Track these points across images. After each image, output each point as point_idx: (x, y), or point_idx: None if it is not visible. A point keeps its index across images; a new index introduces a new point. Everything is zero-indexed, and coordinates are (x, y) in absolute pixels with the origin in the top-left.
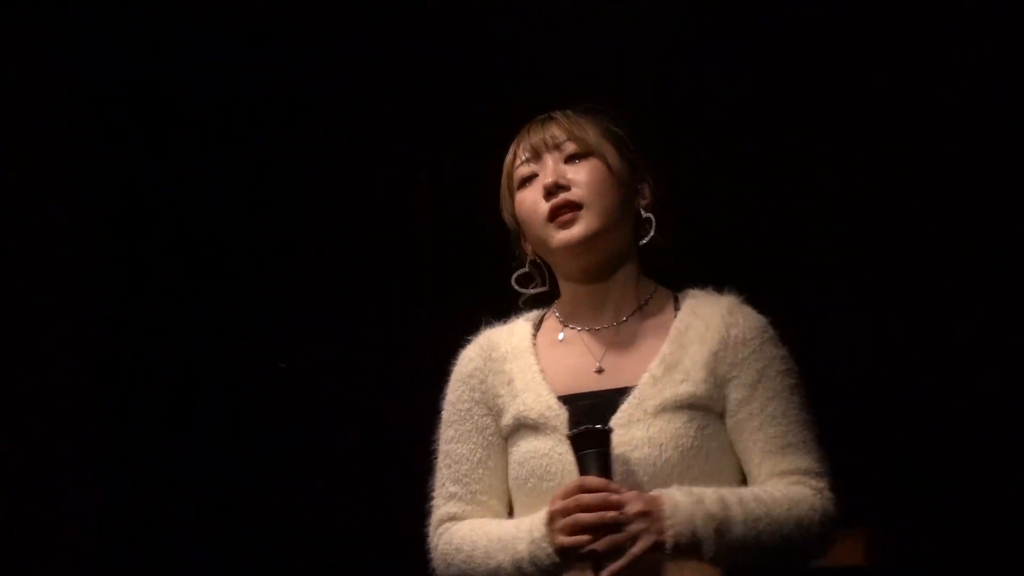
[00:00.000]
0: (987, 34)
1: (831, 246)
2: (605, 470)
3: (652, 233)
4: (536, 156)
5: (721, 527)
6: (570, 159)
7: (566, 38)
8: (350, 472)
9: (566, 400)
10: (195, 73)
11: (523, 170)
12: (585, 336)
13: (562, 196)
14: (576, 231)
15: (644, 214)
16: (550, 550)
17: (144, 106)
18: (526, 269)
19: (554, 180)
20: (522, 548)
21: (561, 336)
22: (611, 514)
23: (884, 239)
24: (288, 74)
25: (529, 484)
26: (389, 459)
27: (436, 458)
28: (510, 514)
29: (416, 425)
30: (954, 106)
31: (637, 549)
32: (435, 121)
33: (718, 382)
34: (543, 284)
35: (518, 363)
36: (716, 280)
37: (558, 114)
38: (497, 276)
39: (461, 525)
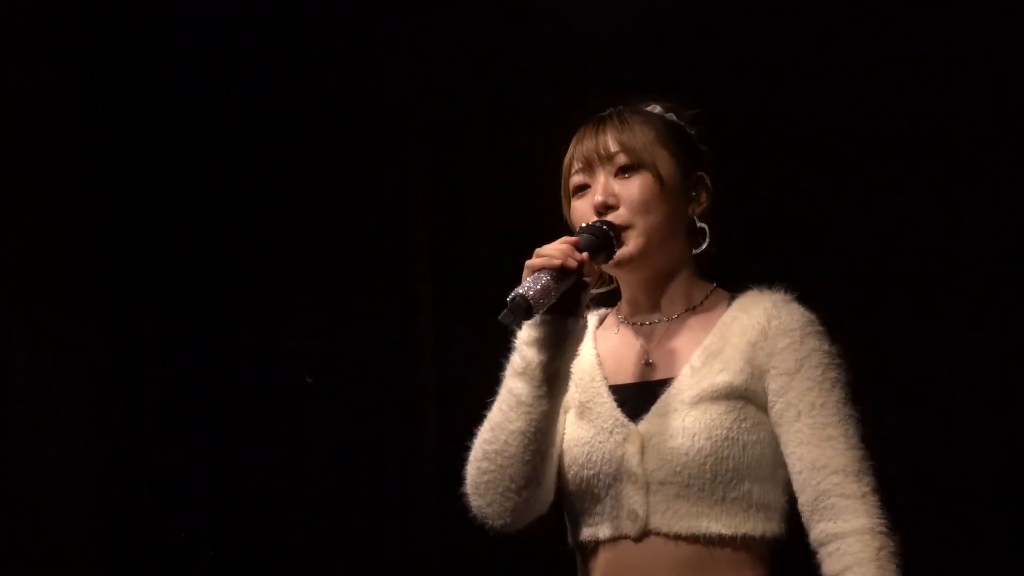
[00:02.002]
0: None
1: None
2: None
3: (706, 244)
4: (589, 166)
5: None
6: (621, 171)
7: (567, 41)
8: (350, 483)
9: (615, 390)
10: (192, 83)
11: (577, 179)
12: (639, 330)
13: (609, 216)
14: (623, 252)
15: (698, 223)
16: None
17: (141, 116)
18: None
19: (602, 200)
20: (522, 352)
21: (617, 331)
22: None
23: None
24: (285, 82)
25: (572, 471)
26: (391, 475)
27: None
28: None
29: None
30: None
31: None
32: (431, 128)
33: (756, 372)
34: (608, 282)
35: (582, 349)
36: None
37: (611, 118)
38: (496, 285)
39: None
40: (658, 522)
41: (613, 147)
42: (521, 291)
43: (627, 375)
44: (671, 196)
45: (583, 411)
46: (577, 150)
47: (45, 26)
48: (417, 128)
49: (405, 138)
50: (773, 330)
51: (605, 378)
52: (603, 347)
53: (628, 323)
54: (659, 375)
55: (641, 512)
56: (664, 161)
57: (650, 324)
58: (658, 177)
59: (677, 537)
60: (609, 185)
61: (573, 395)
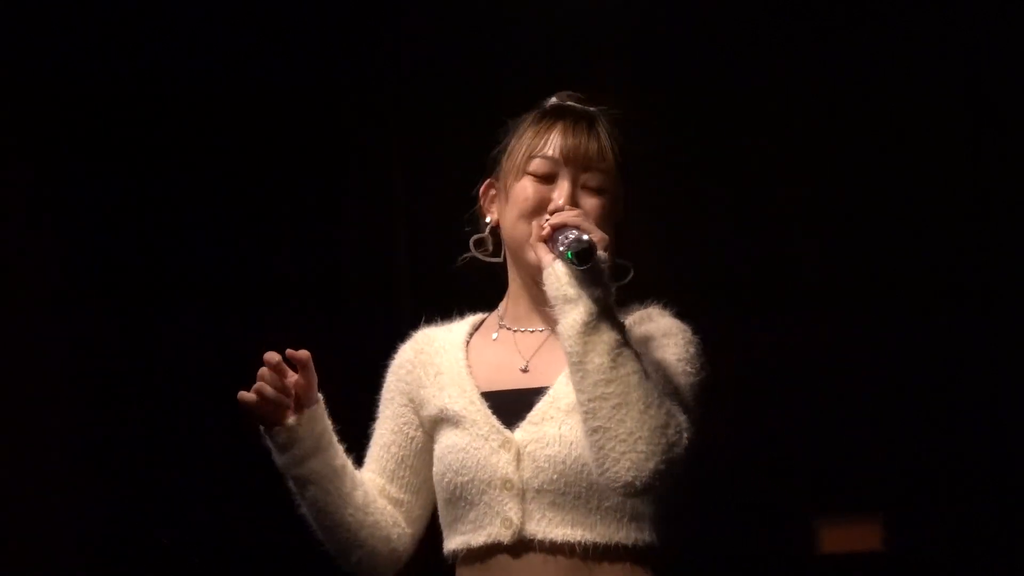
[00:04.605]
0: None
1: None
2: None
3: (628, 279)
4: (563, 162)
5: (606, 314)
6: (588, 187)
7: (545, 38)
8: None
9: (487, 396)
10: (181, 77)
11: (541, 164)
12: (518, 337)
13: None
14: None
15: (618, 260)
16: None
17: (113, 111)
18: (485, 234)
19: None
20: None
21: (495, 336)
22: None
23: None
24: (265, 78)
25: (446, 479)
26: None
27: None
28: (425, 508)
29: None
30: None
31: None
32: (411, 126)
33: None
34: (495, 254)
35: (447, 357)
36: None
37: (598, 124)
38: (477, 284)
39: None
40: (533, 529)
41: (596, 162)
42: (583, 236)
43: (501, 382)
44: (608, 229)
45: (456, 419)
46: (555, 137)
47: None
48: (396, 124)
49: (385, 135)
50: (639, 337)
51: (476, 386)
52: (475, 354)
53: (508, 329)
54: (534, 383)
55: (516, 519)
56: (619, 189)
57: (530, 332)
58: (612, 205)
59: (552, 545)
60: (576, 195)
61: (443, 405)
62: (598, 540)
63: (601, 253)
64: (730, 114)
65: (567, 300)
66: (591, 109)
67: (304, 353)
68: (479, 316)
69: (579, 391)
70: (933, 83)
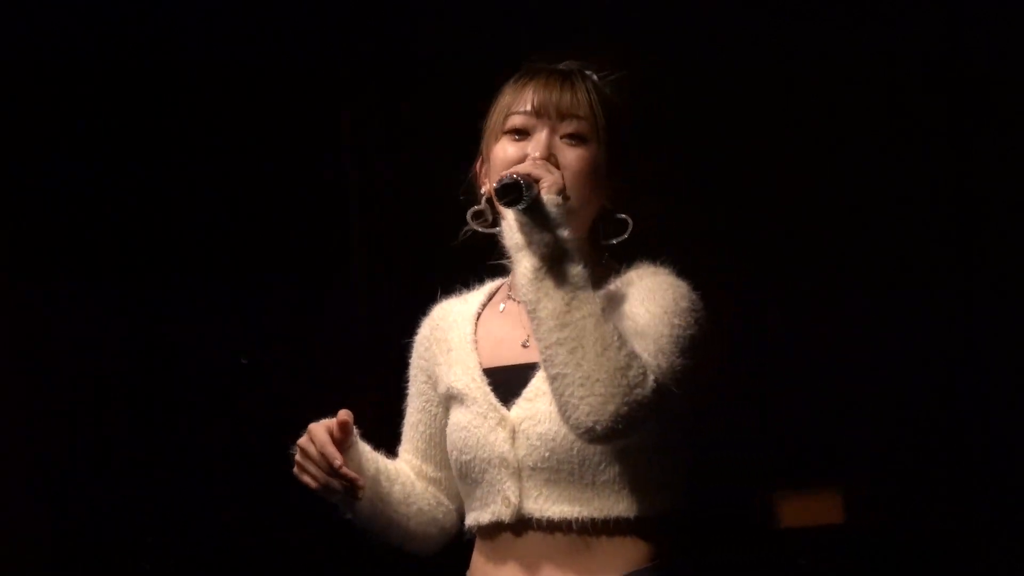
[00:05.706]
0: None
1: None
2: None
3: (626, 235)
4: (537, 114)
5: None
6: (567, 136)
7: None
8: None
9: (490, 373)
10: (130, 54)
11: (518, 120)
12: (522, 307)
13: None
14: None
15: (618, 215)
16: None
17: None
18: (481, 207)
19: (543, 157)
20: None
21: (502, 307)
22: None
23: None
24: (223, 55)
25: (453, 457)
26: None
27: None
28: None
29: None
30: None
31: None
32: (367, 101)
33: None
34: (494, 224)
35: (458, 332)
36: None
37: (573, 77)
38: (430, 261)
39: None
40: (531, 507)
41: (571, 109)
42: (513, 175)
43: (503, 358)
44: (598, 180)
45: (461, 397)
46: (528, 93)
47: None
48: (350, 106)
49: (338, 117)
50: (632, 288)
51: (480, 362)
52: (484, 328)
53: (513, 300)
54: (532, 358)
55: (513, 498)
56: (606, 142)
57: None
58: (597, 157)
59: (550, 522)
60: (553, 144)
61: (450, 382)
62: (596, 515)
63: (552, 196)
64: (728, 112)
65: (518, 248)
66: (567, 65)
67: (346, 419)
68: (497, 283)
69: (537, 339)
70: (935, 82)
